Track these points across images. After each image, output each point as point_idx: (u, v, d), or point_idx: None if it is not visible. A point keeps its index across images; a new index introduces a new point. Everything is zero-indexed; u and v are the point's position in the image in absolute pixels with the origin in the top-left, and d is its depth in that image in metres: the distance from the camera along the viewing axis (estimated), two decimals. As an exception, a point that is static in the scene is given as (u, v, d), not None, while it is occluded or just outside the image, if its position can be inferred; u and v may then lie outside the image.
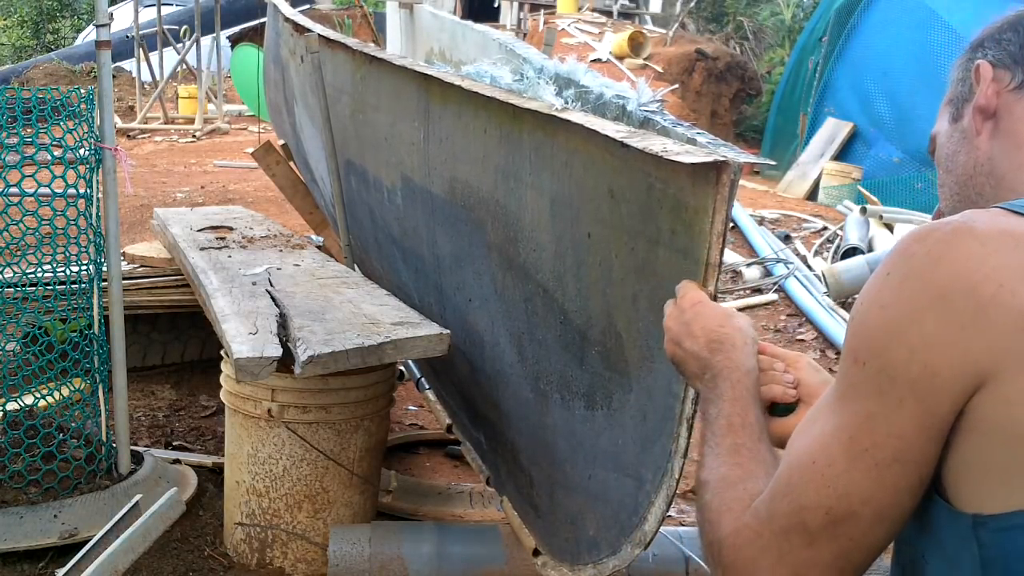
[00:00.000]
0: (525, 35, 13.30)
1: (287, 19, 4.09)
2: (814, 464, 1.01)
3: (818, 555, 1.00)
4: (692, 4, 14.56)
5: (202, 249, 3.50)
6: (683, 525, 3.26)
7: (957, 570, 0.98)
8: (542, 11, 14.72)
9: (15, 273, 2.99)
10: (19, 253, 3.00)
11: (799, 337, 5.54)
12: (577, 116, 1.81)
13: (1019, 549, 0.94)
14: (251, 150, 5.93)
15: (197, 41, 12.89)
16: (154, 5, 14.05)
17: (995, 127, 1.17)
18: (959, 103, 1.22)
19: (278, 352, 2.33)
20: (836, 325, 5.38)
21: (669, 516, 2.74)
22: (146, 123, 12.74)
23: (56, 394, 3.09)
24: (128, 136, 12.00)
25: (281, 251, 3.53)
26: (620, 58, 12.35)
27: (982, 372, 0.94)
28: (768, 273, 6.37)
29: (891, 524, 1.00)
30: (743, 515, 1.06)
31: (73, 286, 3.04)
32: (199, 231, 3.89)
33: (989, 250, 0.96)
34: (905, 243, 1.02)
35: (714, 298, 1.52)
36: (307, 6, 15.50)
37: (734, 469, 1.12)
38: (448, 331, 2.47)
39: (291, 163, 4.90)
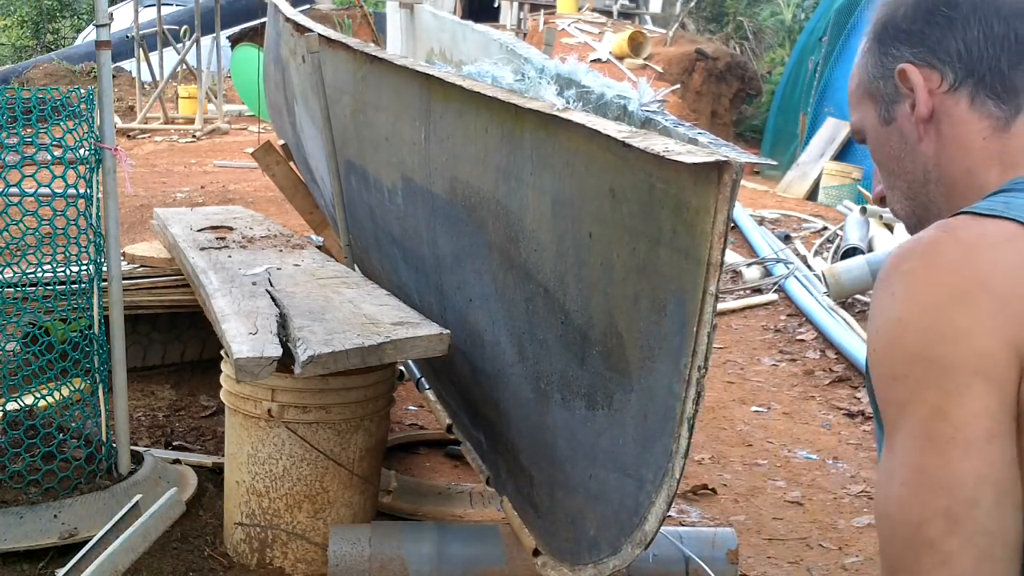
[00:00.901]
0: (525, 35, 13.30)
1: (287, 19, 4.09)
2: (905, 485, 0.92)
3: (959, 569, 0.88)
4: (692, 4, 14.56)
5: (202, 249, 3.49)
6: (683, 525, 3.26)
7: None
8: (542, 11, 14.72)
9: (15, 273, 2.98)
10: (19, 253, 3.00)
11: (799, 337, 5.54)
12: (579, 116, 1.81)
13: None
14: (251, 150, 5.93)
15: (197, 41, 12.89)
16: (154, 5, 14.05)
17: (936, 131, 1.14)
18: (887, 103, 1.19)
19: (278, 352, 2.33)
20: (836, 325, 5.39)
21: (669, 516, 2.74)
22: (146, 123, 12.74)
23: (56, 394, 3.09)
24: (128, 136, 12.00)
25: (281, 251, 3.53)
26: (620, 58, 12.36)
27: (1021, 361, 0.90)
28: (768, 273, 6.37)
29: (1015, 506, 0.89)
30: None
31: (73, 286, 3.04)
32: (199, 231, 3.89)
33: (982, 249, 0.96)
34: (894, 265, 1.00)
35: (717, 297, 1.52)
36: (307, 6, 15.50)
37: None
38: (448, 331, 2.46)
39: (291, 163, 4.90)
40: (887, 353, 0.96)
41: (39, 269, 3.03)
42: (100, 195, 3.05)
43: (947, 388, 0.90)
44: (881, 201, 1.26)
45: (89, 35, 17.71)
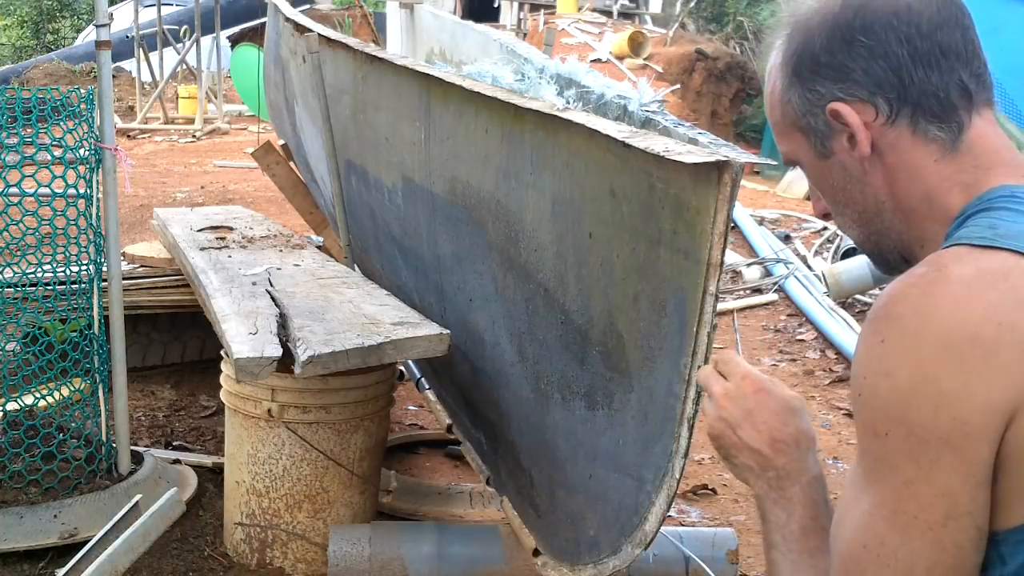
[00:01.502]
0: (525, 35, 13.29)
1: (287, 19, 4.09)
2: (865, 549, 0.99)
3: None
4: (692, 4, 14.56)
5: (202, 249, 3.49)
6: (683, 525, 3.26)
7: None
8: (542, 11, 14.72)
9: (15, 273, 2.98)
10: (19, 253, 3.00)
11: (799, 337, 5.54)
12: (579, 116, 1.81)
13: None
14: (251, 150, 5.93)
15: (197, 41, 12.89)
16: (154, 5, 14.06)
17: (881, 163, 1.11)
18: (821, 139, 1.15)
19: (278, 352, 2.33)
20: (836, 325, 5.39)
21: (669, 516, 2.74)
22: (146, 123, 12.75)
23: (56, 394, 3.09)
24: (128, 136, 12.00)
25: (281, 251, 3.53)
26: (620, 58, 12.35)
27: (1008, 410, 0.92)
28: (768, 273, 6.37)
29: None
30: None
31: (73, 286, 3.04)
32: (199, 231, 3.89)
33: (975, 291, 0.95)
34: (887, 306, 0.99)
35: (717, 297, 1.52)
36: (307, 6, 15.50)
37: (811, 571, 1.12)
38: (448, 331, 2.46)
39: (291, 163, 4.90)
40: (870, 405, 0.99)
41: (39, 269, 3.03)
42: (100, 195, 3.05)
43: (919, 461, 0.95)
44: (825, 217, 1.25)
45: (89, 35, 17.71)
